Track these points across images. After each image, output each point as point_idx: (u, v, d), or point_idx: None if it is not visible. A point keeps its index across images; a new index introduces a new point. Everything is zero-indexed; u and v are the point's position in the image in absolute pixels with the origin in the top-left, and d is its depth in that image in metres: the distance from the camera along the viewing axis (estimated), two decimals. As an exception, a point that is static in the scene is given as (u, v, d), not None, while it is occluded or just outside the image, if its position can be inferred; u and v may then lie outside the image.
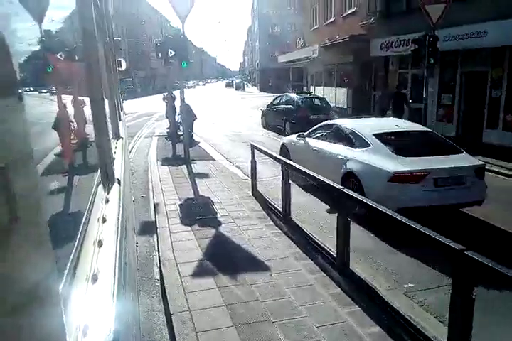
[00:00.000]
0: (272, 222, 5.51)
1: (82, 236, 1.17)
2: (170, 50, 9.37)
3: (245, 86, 65.24)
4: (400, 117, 10.22)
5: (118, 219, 1.60)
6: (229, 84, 73.39)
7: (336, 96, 21.52)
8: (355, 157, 5.77)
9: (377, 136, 5.77)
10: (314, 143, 7.10)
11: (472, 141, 11.68)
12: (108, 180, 1.92)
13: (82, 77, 1.91)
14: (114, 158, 2.30)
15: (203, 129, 16.03)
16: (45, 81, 1.23)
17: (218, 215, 5.80)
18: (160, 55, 11.36)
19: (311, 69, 25.37)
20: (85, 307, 0.91)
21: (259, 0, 52.75)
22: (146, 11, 57.04)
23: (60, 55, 1.50)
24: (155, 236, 5.20)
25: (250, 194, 6.80)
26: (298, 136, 7.87)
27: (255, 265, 4.25)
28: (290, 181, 5.32)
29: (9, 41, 0.54)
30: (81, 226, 1.20)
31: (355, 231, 4.28)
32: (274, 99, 16.56)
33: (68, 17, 1.71)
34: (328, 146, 6.60)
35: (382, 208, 3.46)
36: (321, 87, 24.42)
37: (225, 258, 4.40)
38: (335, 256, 4.15)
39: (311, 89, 26.06)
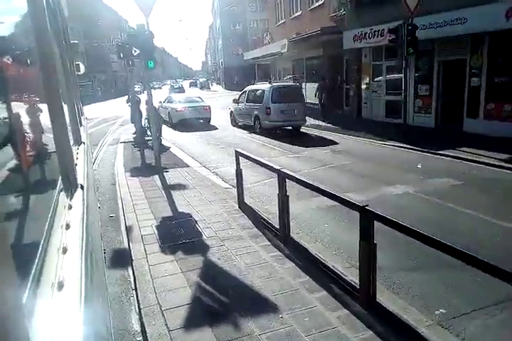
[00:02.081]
0: (268, 242, 4.70)
1: (46, 243, 1.17)
2: (134, 49, 8.36)
3: (210, 85, 64.10)
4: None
5: (82, 225, 1.61)
6: (193, 84, 72.11)
7: (307, 92, 20.93)
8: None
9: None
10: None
11: (453, 131, 11.34)
12: (70, 185, 1.91)
13: (38, 81, 1.84)
14: (76, 164, 2.27)
15: (172, 133, 15.03)
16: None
17: (204, 237, 4.94)
18: (122, 55, 10.34)
19: (280, 65, 24.70)
20: (51, 315, 0.91)
21: (219, -4, 51.65)
22: (102, 11, 54.62)
23: (11, 59, 1.38)
24: (130, 270, 4.29)
25: (237, 207, 5.97)
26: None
27: (260, 304, 3.44)
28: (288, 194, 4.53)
29: None
30: (44, 233, 1.19)
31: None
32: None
33: (20, 20, 1.62)
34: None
35: (415, 228, 2.77)
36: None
37: (221, 298, 3.57)
38: (356, 285, 3.42)
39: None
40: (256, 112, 13.82)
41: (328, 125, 14.78)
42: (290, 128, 14.06)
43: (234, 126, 16.68)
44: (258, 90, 14.29)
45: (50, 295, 1.00)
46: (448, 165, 8.49)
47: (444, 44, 11.36)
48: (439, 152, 9.30)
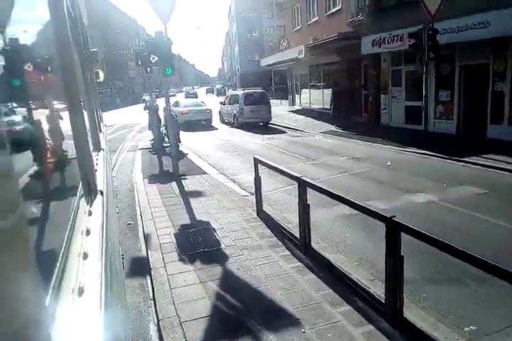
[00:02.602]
0: (288, 252, 4.59)
1: (67, 248, 1.18)
2: (152, 56, 8.40)
3: (226, 91, 64.48)
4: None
5: (102, 231, 1.62)
6: (210, 91, 72.76)
7: (324, 98, 20.80)
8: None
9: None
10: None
11: (475, 138, 11.04)
12: (90, 192, 1.91)
13: (59, 89, 1.89)
14: (96, 170, 2.26)
15: (189, 138, 15.09)
16: (22, 94, 1.15)
17: (222, 246, 4.86)
18: (140, 62, 10.43)
19: (296, 70, 24.65)
20: (72, 320, 0.92)
21: (236, 4, 52.04)
22: (121, 19, 55.70)
23: (34, 67, 1.40)
24: (148, 279, 4.23)
25: (255, 215, 5.88)
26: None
27: (281, 317, 3.33)
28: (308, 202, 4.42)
29: None
30: (65, 238, 1.20)
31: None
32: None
33: (42, 29, 1.65)
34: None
35: (445, 241, 2.63)
36: (307, 89, 23.72)
37: (241, 310, 3.47)
38: (381, 300, 3.28)
39: (296, 91, 25.48)
40: (234, 112, 18.58)
41: (342, 131, 14.70)
42: (261, 123, 18.66)
43: (222, 122, 21.17)
44: (236, 95, 19.33)
45: (71, 301, 1.01)
46: (471, 172, 8.24)
47: (466, 48, 11.12)
48: (462, 159, 9.05)
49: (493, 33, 9.54)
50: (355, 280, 3.70)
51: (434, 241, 2.69)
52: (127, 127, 21.62)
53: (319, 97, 21.02)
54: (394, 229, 2.93)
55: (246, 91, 18.53)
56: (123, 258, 4.29)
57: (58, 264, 1.03)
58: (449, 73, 12.12)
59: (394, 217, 2.96)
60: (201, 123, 19.50)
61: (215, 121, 20.90)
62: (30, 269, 0.63)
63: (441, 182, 7.42)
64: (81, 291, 1.08)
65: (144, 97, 48.38)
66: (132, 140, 16.48)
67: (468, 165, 8.75)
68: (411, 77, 13.41)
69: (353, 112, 17.28)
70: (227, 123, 20.17)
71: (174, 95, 70.51)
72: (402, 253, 3.00)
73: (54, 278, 0.94)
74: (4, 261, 0.54)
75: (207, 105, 21.05)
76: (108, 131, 15.75)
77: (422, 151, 10.15)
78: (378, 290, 3.48)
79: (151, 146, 13.47)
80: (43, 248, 0.99)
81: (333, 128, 15.88)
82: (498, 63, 10.50)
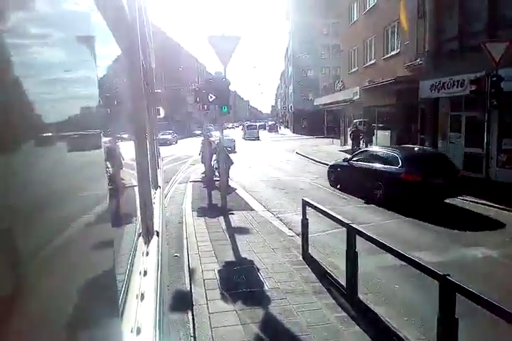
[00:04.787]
0: (333, 300, 4.41)
1: (126, 289, 1.19)
2: (210, 95, 8.84)
3: (278, 128, 65.57)
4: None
5: (157, 272, 1.62)
6: (261, 127, 74.32)
7: (377, 140, 20.54)
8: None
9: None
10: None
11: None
12: (148, 232, 1.90)
13: (130, 128, 1.95)
14: (153, 209, 2.23)
15: (238, 173, 15.35)
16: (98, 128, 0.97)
17: (266, 287, 4.77)
18: (198, 99, 10.98)
19: (350, 111, 24.72)
20: None
21: (293, 45, 54.08)
22: (182, 57, 59.53)
23: (112, 106, 1.45)
24: (190, 315, 4.22)
25: (300, 257, 5.76)
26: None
27: (322, 372, 3.16)
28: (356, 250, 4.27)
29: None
30: (125, 279, 1.21)
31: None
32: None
33: (121, 77, 1.78)
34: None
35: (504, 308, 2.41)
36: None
37: (281, 359, 3.34)
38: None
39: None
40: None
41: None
42: None
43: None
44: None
45: (131, 340, 1.07)
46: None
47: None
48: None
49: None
50: (403, 338, 3.46)
51: (493, 306, 2.48)
52: (181, 159, 22.45)
53: (374, 138, 20.79)
54: (448, 289, 2.74)
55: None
56: (168, 289, 4.35)
57: (119, 305, 1.05)
58: (512, 121, 11.60)
59: (448, 275, 2.79)
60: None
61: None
62: (93, 310, 0.65)
63: (504, 236, 6.91)
64: (139, 331, 1.13)
65: (196, 131, 50.42)
66: (185, 172, 17.04)
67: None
68: (471, 123, 12.97)
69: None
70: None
71: (233, 128, 73.84)
72: (456, 316, 2.79)
73: (114, 318, 0.97)
74: (69, 301, 0.56)
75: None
76: (163, 161, 16.47)
77: (482, 201, 9.57)
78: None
79: (201, 179, 13.84)
80: (105, 288, 1.00)
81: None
82: None
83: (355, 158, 11.12)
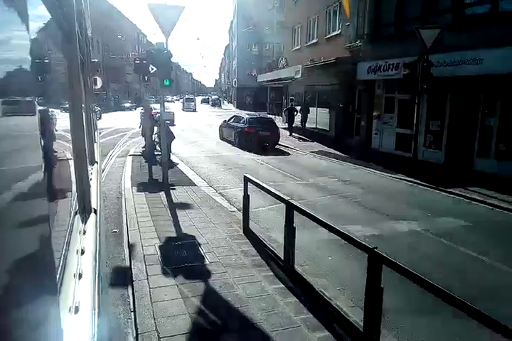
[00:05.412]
0: (271, 272, 4.63)
1: (63, 268, 1.18)
2: (151, 66, 8.49)
3: (222, 103, 64.77)
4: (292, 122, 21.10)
5: (95, 250, 1.60)
6: (204, 101, 72.96)
7: (317, 118, 21.11)
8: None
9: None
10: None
11: (462, 169, 11.31)
12: (85, 210, 1.88)
13: (64, 98, 1.90)
14: (90, 186, 2.18)
15: (179, 148, 15.11)
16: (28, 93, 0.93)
17: (207, 262, 4.87)
18: (139, 71, 10.51)
19: (292, 89, 25.00)
20: (69, 338, 0.97)
21: (238, 19, 52.90)
22: (122, 25, 56.00)
23: (43, 73, 1.39)
24: (130, 290, 4.22)
25: (241, 232, 5.92)
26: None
27: (259, 340, 3.36)
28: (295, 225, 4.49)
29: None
30: (61, 258, 1.19)
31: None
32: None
33: (52, 39, 1.69)
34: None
35: (425, 278, 2.71)
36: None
37: (220, 330, 3.49)
38: (359, 328, 3.33)
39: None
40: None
41: (333, 151, 14.93)
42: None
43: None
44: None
45: (69, 319, 1.06)
46: (456, 204, 8.42)
47: (458, 82, 11.48)
48: (448, 190, 9.24)
49: (485, 70, 9.88)
50: (335, 307, 3.75)
51: (415, 277, 2.74)
52: (120, 131, 21.54)
53: (313, 117, 21.30)
54: (375, 261, 3.00)
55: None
56: (107, 266, 4.28)
57: (56, 284, 1.03)
58: (441, 104, 12.46)
59: (376, 248, 3.04)
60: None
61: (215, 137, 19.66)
62: (27, 289, 0.64)
63: (426, 211, 7.57)
64: (77, 310, 1.13)
65: (124, 104, 47.77)
66: (124, 145, 16.43)
67: (454, 196, 8.94)
68: (404, 105, 13.75)
69: (346, 134, 17.57)
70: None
71: (173, 102, 70.82)
72: (382, 285, 3.07)
73: (51, 297, 0.94)
74: (3, 280, 0.54)
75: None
76: (100, 134, 15.71)
77: (410, 179, 10.36)
78: (357, 317, 3.53)
79: (141, 153, 13.47)
80: (40, 267, 0.98)
81: (323, 148, 16.14)
82: (489, 99, 10.85)
83: (230, 121, 17.96)
